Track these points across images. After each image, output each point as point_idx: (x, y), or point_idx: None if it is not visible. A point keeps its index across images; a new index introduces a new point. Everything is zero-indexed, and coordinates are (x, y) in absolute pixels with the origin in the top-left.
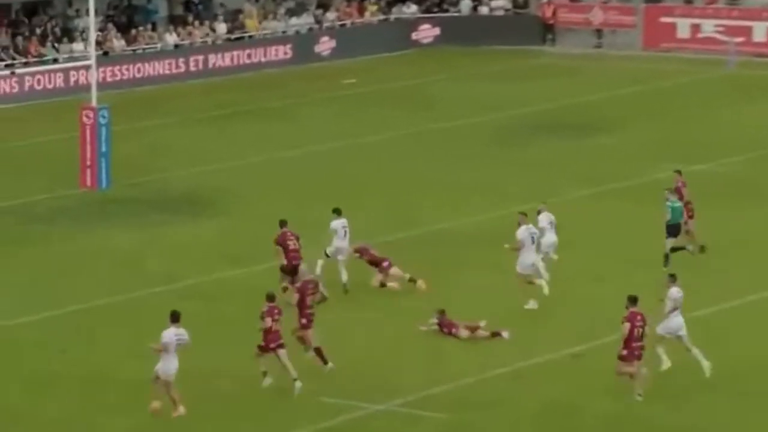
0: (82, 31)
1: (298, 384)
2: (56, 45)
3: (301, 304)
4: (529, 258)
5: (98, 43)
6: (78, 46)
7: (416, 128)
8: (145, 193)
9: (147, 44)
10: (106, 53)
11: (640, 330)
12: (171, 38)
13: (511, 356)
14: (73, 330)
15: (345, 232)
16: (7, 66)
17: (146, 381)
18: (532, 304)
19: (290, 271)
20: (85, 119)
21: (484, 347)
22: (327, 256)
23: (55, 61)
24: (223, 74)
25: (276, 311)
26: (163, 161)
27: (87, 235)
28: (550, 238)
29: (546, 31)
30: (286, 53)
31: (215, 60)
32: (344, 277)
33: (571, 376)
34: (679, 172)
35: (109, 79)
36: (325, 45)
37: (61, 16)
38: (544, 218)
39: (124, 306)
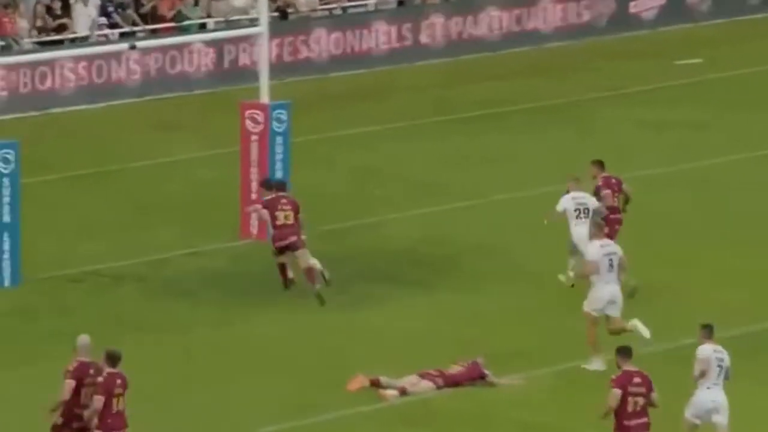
0: None
1: None
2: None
3: (73, 401)
4: (605, 291)
5: None
6: (238, 1)
7: None
8: (343, 248)
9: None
10: (284, 15)
11: (641, 400)
12: None
13: None
14: None
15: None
16: (123, 36)
17: None
18: (597, 365)
19: (279, 253)
20: (249, 125)
21: None
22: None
23: (202, 27)
24: (481, 50)
25: (119, 381)
26: (376, 195)
27: (251, 316)
28: (578, 231)
29: None
30: (578, 15)
31: (462, 27)
32: (318, 265)
33: None
34: (599, 163)
35: (288, 58)
36: (648, 1)
37: None
38: (568, 201)
39: None
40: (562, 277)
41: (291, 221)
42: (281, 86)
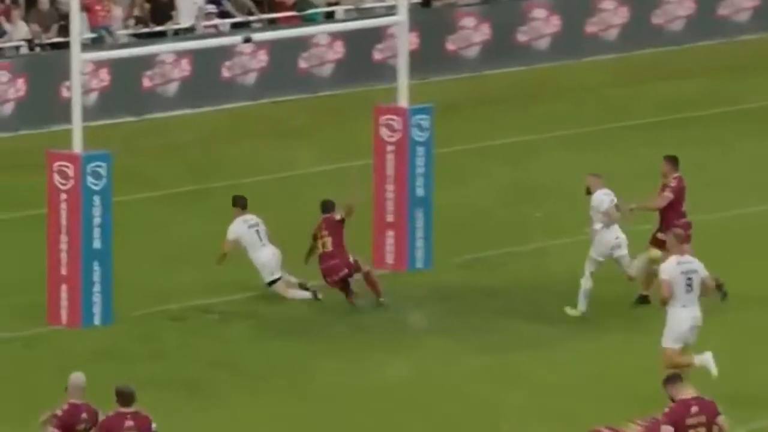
0: None
1: None
2: None
3: None
4: (684, 316)
5: None
6: None
7: None
8: (495, 280)
9: None
10: (426, 1)
11: (702, 430)
12: None
13: None
14: None
15: (258, 233)
16: (235, 27)
17: None
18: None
19: (342, 291)
20: (385, 132)
21: None
22: (270, 285)
23: (329, 17)
24: (662, 43)
25: (129, 423)
26: (535, 216)
27: (382, 359)
28: (607, 236)
29: None
30: None
31: (639, 15)
32: (300, 294)
33: None
34: (673, 159)
35: (431, 53)
36: None
37: None
38: (603, 197)
39: None
40: (572, 311)
41: (329, 248)
42: (423, 87)
